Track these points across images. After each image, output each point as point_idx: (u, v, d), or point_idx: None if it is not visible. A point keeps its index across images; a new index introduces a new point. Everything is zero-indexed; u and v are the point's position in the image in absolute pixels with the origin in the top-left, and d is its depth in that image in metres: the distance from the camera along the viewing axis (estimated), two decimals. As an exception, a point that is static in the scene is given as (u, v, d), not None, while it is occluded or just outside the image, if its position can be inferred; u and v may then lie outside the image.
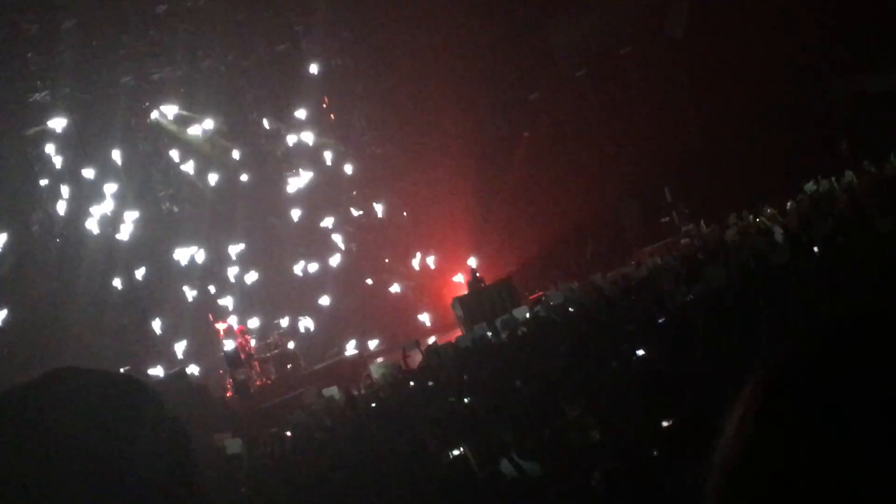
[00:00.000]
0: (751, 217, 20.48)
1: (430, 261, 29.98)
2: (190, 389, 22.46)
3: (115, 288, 26.51)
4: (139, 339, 26.34)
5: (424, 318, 29.02)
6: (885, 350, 0.94)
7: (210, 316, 27.07)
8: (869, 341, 0.96)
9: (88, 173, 26.62)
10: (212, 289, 27.92)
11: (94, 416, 1.40)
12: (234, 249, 28.32)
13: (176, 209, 28.34)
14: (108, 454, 1.37)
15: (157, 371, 24.79)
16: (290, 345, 26.83)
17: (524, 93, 30.07)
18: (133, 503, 1.37)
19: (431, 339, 23.63)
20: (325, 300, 28.94)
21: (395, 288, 29.78)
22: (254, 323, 27.61)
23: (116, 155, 27.04)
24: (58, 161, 26.43)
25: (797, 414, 0.95)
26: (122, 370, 23.26)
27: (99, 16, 24.60)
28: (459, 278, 28.18)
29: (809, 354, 0.99)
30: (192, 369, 25.27)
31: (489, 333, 19.60)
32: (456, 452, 9.61)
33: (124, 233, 26.86)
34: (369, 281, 29.71)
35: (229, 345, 25.09)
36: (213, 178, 28.48)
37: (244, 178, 28.82)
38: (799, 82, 25.06)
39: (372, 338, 28.19)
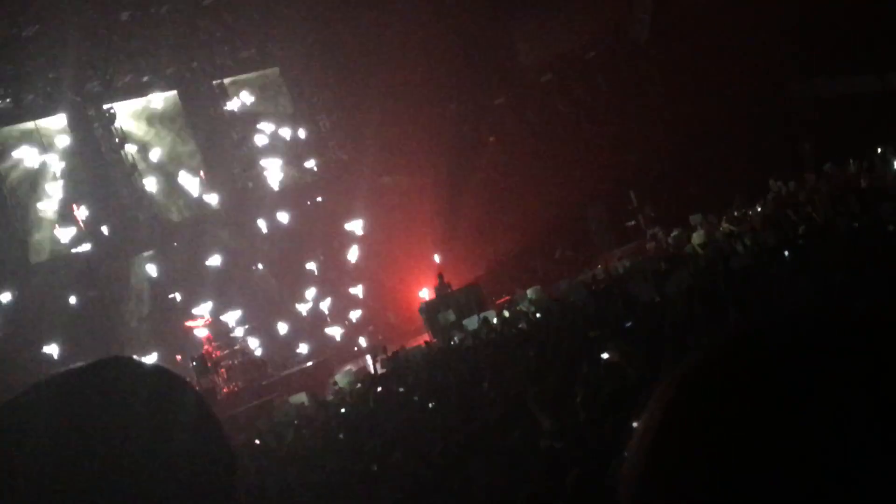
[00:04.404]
0: (718, 220, 20.62)
1: (397, 266, 29.96)
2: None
3: (81, 297, 26.23)
4: (102, 346, 26.05)
5: (393, 323, 29.05)
6: (790, 362, 0.97)
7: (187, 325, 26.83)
8: (771, 353, 0.99)
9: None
10: (178, 295, 27.66)
11: (138, 407, 1.40)
12: (208, 258, 28.14)
13: (141, 217, 28.09)
14: (148, 447, 1.37)
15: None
16: (258, 351, 26.74)
17: (490, 98, 30.14)
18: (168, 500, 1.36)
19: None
20: (294, 306, 28.87)
21: (362, 293, 29.74)
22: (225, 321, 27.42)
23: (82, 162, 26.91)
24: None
25: (697, 417, 0.98)
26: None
27: (64, 21, 24.41)
28: (424, 293, 28.32)
29: (716, 361, 1.02)
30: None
31: (455, 339, 19.60)
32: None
33: (89, 242, 26.65)
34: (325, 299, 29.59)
35: (199, 331, 25.15)
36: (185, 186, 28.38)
37: (212, 192, 28.70)
38: (762, 86, 25.29)
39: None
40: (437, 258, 27.53)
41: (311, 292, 29.22)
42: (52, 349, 24.74)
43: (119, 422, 1.37)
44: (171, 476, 1.37)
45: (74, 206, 26.51)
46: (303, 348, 28.09)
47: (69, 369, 1.44)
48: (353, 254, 30.01)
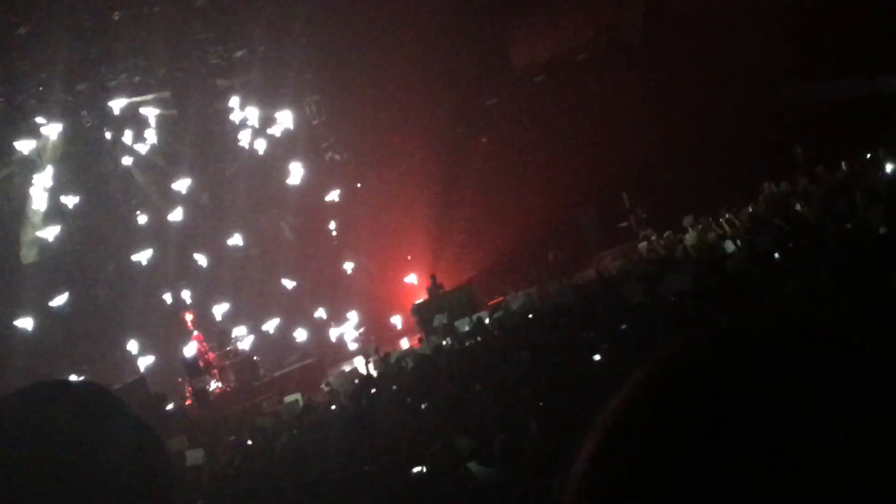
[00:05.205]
0: (710, 221, 20.66)
1: (389, 266, 29.96)
2: (149, 398, 22.26)
3: (72, 297, 26.19)
4: (95, 347, 26.01)
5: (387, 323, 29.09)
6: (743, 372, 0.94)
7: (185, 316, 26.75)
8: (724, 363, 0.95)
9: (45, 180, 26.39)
10: (168, 297, 27.62)
11: (67, 430, 1.40)
12: (201, 257, 28.13)
13: (139, 213, 28.01)
14: (79, 469, 1.37)
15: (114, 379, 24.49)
16: (249, 351, 26.71)
17: (482, 98, 30.14)
18: None
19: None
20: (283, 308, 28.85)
21: (355, 294, 29.72)
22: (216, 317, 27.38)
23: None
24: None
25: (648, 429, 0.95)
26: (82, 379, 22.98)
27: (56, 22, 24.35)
28: (412, 279, 28.46)
29: (670, 367, 0.99)
30: (150, 376, 25.01)
31: (447, 340, 19.60)
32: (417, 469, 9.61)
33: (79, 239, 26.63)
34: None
35: (190, 349, 24.97)
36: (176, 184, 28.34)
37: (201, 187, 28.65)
38: (753, 88, 25.36)
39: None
40: (433, 277, 27.56)
41: (305, 294, 29.18)
42: (49, 350, 24.71)
43: (49, 447, 1.37)
44: (106, 495, 1.37)
45: (66, 205, 26.49)
46: (295, 349, 28.03)
47: None
48: (346, 256, 29.98)
